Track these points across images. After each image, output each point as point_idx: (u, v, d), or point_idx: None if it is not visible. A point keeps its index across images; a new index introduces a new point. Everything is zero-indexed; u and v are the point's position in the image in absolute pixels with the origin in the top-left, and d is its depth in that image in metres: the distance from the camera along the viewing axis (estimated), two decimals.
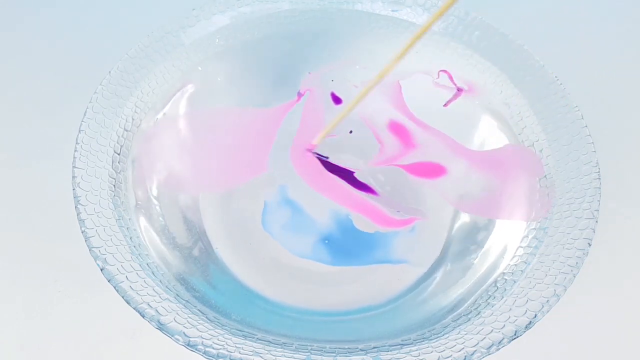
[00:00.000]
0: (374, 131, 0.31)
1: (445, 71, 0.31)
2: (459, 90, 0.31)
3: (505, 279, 0.24)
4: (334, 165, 0.30)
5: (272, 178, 0.30)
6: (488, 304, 0.23)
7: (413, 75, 0.32)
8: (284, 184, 0.30)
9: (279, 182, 0.30)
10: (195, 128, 0.30)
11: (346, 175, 0.30)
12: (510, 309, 0.22)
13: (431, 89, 0.32)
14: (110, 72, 0.28)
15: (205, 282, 0.26)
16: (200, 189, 0.30)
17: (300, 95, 0.32)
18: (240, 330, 0.22)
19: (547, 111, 0.28)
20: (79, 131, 0.26)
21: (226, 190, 0.30)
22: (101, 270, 0.22)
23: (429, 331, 0.23)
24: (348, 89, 0.32)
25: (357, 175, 0.30)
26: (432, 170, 0.30)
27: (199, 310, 0.23)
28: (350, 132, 0.31)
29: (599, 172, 0.26)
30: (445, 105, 0.30)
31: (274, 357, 0.21)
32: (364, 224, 0.29)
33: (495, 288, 0.24)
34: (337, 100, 0.32)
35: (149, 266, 0.24)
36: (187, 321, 0.22)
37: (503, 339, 0.21)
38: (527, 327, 0.22)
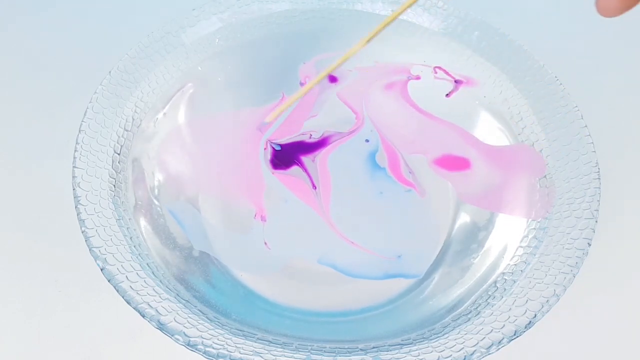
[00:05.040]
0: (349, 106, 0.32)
1: (439, 67, 0.31)
2: (457, 82, 0.31)
3: (505, 279, 0.24)
4: (291, 143, 0.31)
5: (270, 193, 0.30)
6: (488, 304, 0.23)
7: (413, 67, 0.32)
8: (282, 199, 0.30)
9: (278, 197, 0.30)
10: (196, 133, 0.30)
11: (303, 146, 0.31)
12: (510, 309, 0.22)
13: (431, 89, 0.32)
14: (110, 72, 0.28)
15: (205, 282, 0.26)
16: (202, 192, 0.30)
17: (302, 85, 0.32)
18: (240, 330, 0.22)
19: (547, 111, 0.28)
20: (79, 131, 0.26)
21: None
22: (101, 270, 0.22)
23: (429, 331, 0.23)
24: (343, 73, 0.33)
25: (313, 138, 0.31)
26: (457, 163, 0.30)
27: (199, 310, 0.23)
28: (367, 141, 0.31)
29: (598, 172, 0.26)
30: (447, 95, 0.31)
31: (274, 357, 0.21)
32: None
33: (495, 288, 0.24)
34: (332, 79, 0.32)
35: (149, 266, 0.24)
36: (187, 321, 0.22)
37: (503, 339, 0.21)
38: (527, 327, 0.22)
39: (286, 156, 0.31)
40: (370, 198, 0.30)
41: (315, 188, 0.30)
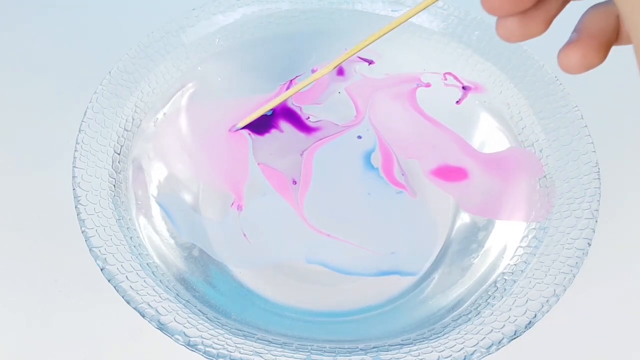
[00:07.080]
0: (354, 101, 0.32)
1: (449, 73, 0.31)
2: (465, 88, 0.31)
3: (505, 279, 0.24)
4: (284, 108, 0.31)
5: (254, 185, 0.30)
6: (488, 304, 0.23)
7: (422, 75, 0.32)
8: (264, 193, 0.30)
9: (258, 189, 0.30)
10: (192, 124, 0.31)
11: (298, 120, 0.31)
12: (510, 309, 0.22)
13: (432, 91, 0.32)
14: (110, 72, 0.28)
15: (205, 282, 0.26)
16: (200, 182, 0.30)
17: (313, 71, 0.32)
18: (240, 330, 0.22)
19: (547, 111, 0.28)
20: (79, 131, 0.26)
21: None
22: (101, 270, 0.22)
23: (429, 331, 0.23)
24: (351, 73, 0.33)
25: (310, 121, 0.32)
26: (455, 173, 0.30)
27: (199, 310, 0.23)
28: (359, 137, 0.31)
29: (598, 172, 0.26)
30: (458, 102, 0.31)
31: (274, 357, 0.21)
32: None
33: (495, 288, 0.24)
34: (340, 72, 0.32)
35: (149, 266, 0.24)
36: (187, 321, 0.22)
37: (503, 338, 0.21)
38: (527, 327, 0.22)
39: (268, 121, 0.31)
40: (357, 197, 0.30)
41: (295, 183, 0.30)
